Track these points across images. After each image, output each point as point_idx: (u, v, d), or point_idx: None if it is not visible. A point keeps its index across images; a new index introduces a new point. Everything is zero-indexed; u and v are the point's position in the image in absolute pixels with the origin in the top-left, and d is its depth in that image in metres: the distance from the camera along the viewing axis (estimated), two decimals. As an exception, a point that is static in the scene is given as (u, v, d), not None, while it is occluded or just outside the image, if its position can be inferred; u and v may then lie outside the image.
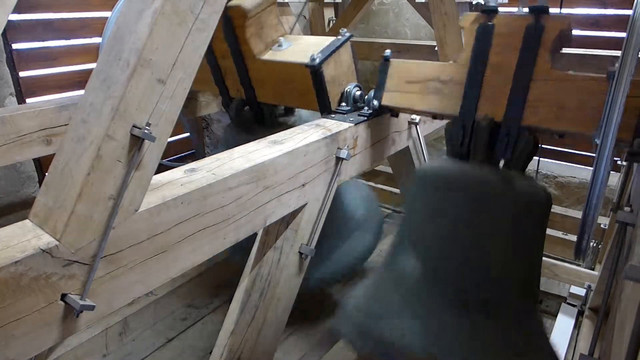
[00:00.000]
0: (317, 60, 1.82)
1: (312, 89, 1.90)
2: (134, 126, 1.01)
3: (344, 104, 1.95)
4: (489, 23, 1.55)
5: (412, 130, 2.29)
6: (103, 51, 1.07)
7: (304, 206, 1.65)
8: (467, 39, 1.62)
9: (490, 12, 1.55)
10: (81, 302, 0.95)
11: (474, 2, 1.73)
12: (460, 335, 1.46)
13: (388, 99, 1.84)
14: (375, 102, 1.85)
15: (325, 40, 1.95)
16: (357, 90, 1.98)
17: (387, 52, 1.82)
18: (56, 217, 0.97)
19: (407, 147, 2.31)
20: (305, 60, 1.85)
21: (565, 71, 1.46)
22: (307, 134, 1.65)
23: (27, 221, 1.02)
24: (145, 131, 1.01)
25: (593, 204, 1.14)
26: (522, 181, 1.51)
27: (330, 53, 1.87)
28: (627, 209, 1.47)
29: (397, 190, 4.00)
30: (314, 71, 1.84)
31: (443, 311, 1.50)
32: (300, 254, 1.69)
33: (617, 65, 1.17)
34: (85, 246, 0.98)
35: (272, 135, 1.63)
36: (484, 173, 1.55)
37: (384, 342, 1.54)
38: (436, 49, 2.85)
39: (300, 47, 2.02)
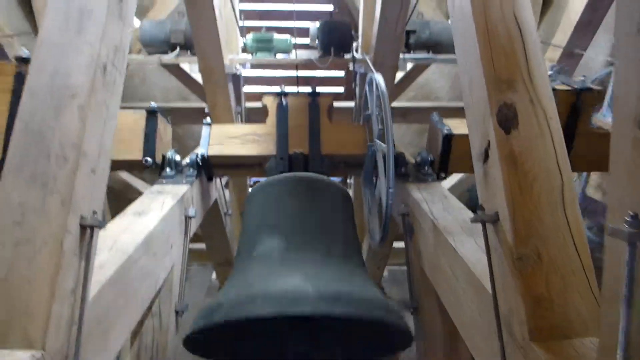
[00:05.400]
0: (154, 107, 2.14)
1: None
2: (81, 217, 1.04)
3: (168, 169, 2.11)
4: (284, 102, 2.23)
5: (217, 183, 2.61)
6: (13, 150, 1.04)
7: (172, 267, 1.76)
8: (270, 110, 2.20)
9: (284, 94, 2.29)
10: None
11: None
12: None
13: (214, 151, 2.18)
14: (204, 152, 2.15)
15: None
16: (177, 155, 2.18)
17: (208, 119, 2.18)
18: (23, 327, 0.91)
19: (216, 199, 2.61)
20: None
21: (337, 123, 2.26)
22: (160, 201, 1.78)
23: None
24: (95, 219, 1.05)
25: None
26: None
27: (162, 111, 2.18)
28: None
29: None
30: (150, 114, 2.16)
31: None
32: (177, 312, 1.78)
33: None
34: (65, 349, 0.95)
35: (131, 208, 1.68)
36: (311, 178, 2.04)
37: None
38: (206, 110, 3.23)
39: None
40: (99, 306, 1.13)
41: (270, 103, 2.26)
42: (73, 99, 1.08)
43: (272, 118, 2.23)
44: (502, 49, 1.20)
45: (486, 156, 1.20)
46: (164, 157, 2.13)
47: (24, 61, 1.78)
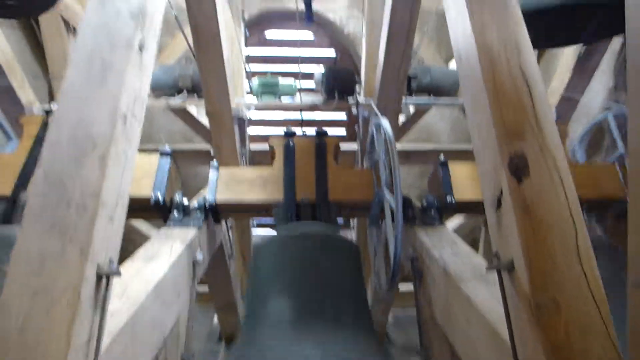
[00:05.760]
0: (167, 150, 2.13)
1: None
2: (98, 265, 1.04)
3: (176, 212, 2.12)
4: (291, 144, 2.22)
5: (222, 225, 2.61)
6: (33, 199, 1.05)
7: (179, 314, 1.73)
8: (277, 152, 2.21)
9: (291, 134, 2.28)
10: None
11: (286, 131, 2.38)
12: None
13: (221, 195, 2.18)
14: (211, 198, 2.15)
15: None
16: (184, 198, 2.19)
17: (215, 162, 2.20)
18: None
19: (221, 241, 2.60)
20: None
21: (343, 167, 2.27)
22: (169, 245, 1.77)
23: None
24: (112, 268, 1.05)
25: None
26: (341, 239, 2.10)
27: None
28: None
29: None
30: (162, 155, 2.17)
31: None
32: (183, 360, 1.74)
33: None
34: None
35: (140, 252, 1.68)
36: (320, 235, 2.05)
37: None
38: (212, 153, 3.27)
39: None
40: (109, 358, 1.11)
41: (277, 145, 2.28)
42: (94, 149, 1.10)
43: (279, 161, 2.24)
44: (511, 102, 1.24)
45: (499, 204, 1.21)
46: (172, 200, 2.14)
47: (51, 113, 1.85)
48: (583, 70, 3.44)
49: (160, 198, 2.03)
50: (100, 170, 1.08)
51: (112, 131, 1.13)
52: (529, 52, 1.34)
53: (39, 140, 2.08)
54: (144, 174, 2.09)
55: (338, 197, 2.19)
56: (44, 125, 1.80)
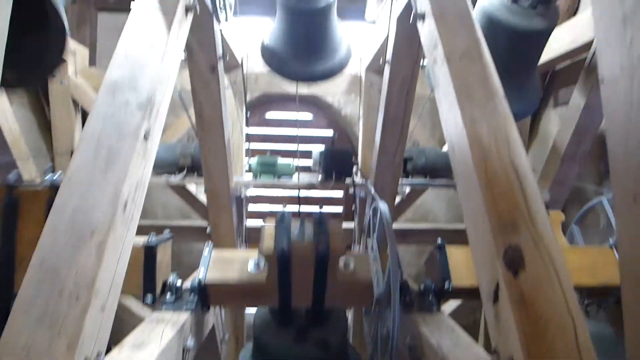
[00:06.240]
0: (154, 242, 1.98)
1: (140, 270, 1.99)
2: (86, 358, 1.00)
3: (169, 294, 2.07)
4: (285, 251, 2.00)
5: (217, 310, 2.55)
6: (26, 288, 1.04)
7: (166, 406, 1.64)
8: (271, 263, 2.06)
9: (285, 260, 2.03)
10: None
11: None
12: None
13: (212, 276, 2.12)
14: (202, 276, 2.08)
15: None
16: (178, 280, 2.15)
17: (210, 244, 2.17)
18: None
19: (214, 324, 2.52)
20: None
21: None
22: (159, 331, 1.72)
23: None
24: (99, 362, 1.02)
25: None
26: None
27: (164, 239, 2.07)
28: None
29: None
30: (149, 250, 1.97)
31: None
32: None
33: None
34: None
35: (129, 339, 1.62)
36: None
37: None
38: (208, 231, 3.28)
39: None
40: None
41: (270, 256, 1.97)
42: (92, 236, 1.11)
43: (273, 270, 2.00)
44: (503, 193, 1.28)
45: (496, 297, 1.20)
46: (164, 283, 2.10)
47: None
48: (573, 157, 3.55)
49: (150, 294, 1.95)
50: (97, 258, 1.08)
51: (112, 218, 1.15)
52: (519, 145, 1.40)
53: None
54: (132, 268, 2.01)
55: (336, 302, 2.09)
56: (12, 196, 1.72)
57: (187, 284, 2.16)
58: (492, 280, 1.21)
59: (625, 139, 0.68)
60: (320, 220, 2.09)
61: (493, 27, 2.61)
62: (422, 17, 1.85)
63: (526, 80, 3.04)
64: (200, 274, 2.10)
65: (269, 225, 2.06)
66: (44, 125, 4.02)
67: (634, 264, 0.71)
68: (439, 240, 2.31)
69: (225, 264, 2.16)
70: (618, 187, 0.72)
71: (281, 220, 2.08)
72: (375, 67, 3.71)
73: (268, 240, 2.01)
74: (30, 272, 1.05)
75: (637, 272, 0.71)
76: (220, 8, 2.34)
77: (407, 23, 1.96)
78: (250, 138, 4.21)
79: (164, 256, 2.11)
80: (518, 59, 2.82)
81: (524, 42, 2.72)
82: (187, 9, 1.76)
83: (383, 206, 1.85)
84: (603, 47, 0.76)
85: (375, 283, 1.95)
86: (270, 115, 5.06)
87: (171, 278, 2.12)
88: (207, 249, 2.19)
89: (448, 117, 1.57)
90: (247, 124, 4.02)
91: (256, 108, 4.84)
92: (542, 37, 2.77)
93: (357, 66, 3.90)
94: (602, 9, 0.76)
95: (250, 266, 2.13)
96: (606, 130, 0.74)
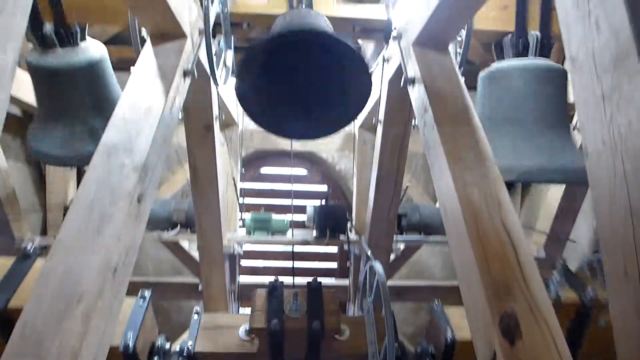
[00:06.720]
0: None
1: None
2: None
3: (156, 357, 2.00)
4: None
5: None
6: (6, 356, 1.00)
7: None
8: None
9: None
10: None
11: None
12: None
13: (201, 344, 2.05)
14: (191, 345, 2.01)
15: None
16: (167, 343, 2.08)
17: (200, 308, 2.12)
18: None
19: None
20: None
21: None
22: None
23: None
24: None
25: None
26: None
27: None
28: None
29: None
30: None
31: None
32: None
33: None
34: None
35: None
36: None
37: None
38: (200, 289, 3.21)
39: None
40: None
41: (262, 331, 1.94)
42: (79, 304, 1.08)
43: (263, 344, 1.99)
44: (497, 256, 1.27)
45: (494, 366, 1.17)
46: (153, 345, 2.03)
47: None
48: (566, 212, 3.57)
49: (131, 345, 1.88)
50: (83, 326, 1.05)
51: (100, 285, 1.13)
52: (510, 209, 1.42)
53: None
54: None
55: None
56: None
57: (176, 346, 2.09)
58: (489, 347, 1.18)
59: (609, 212, 0.69)
60: (314, 293, 2.05)
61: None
62: (412, 81, 1.92)
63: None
64: (189, 342, 2.03)
65: (260, 294, 2.02)
66: (39, 180, 4.01)
67: (628, 341, 0.70)
68: (437, 306, 2.26)
69: (215, 330, 2.08)
70: (609, 261, 0.73)
71: (273, 291, 2.03)
72: (368, 125, 3.80)
73: (259, 315, 1.96)
74: (11, 343, 1.02)
75: (633, 347, 0.70)
76: (219, 74, 2.41)
77: (399, 86, 2.02)
78: (245, 193, 4.22)
79: (147, 316, 2.04)
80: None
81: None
82: (185, 74, 1.82)
83: (378, 265, 1.84)
84: (585, 122, 0.79)
85: (370, 356, 1.89)
86: (265, 170, 5.10)
87: (160, 341, 2.05)
88: (196, 315, 2.12)
89: (440, 179, 1.59)
90: (242, 179, 4.04)
91: (251, 163, 4.88)
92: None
93: (350, 124, 3.98)
94: (581, 87, 0.79)
95: (242, 333, 2.07)
96: (593, 204, 0.75)
